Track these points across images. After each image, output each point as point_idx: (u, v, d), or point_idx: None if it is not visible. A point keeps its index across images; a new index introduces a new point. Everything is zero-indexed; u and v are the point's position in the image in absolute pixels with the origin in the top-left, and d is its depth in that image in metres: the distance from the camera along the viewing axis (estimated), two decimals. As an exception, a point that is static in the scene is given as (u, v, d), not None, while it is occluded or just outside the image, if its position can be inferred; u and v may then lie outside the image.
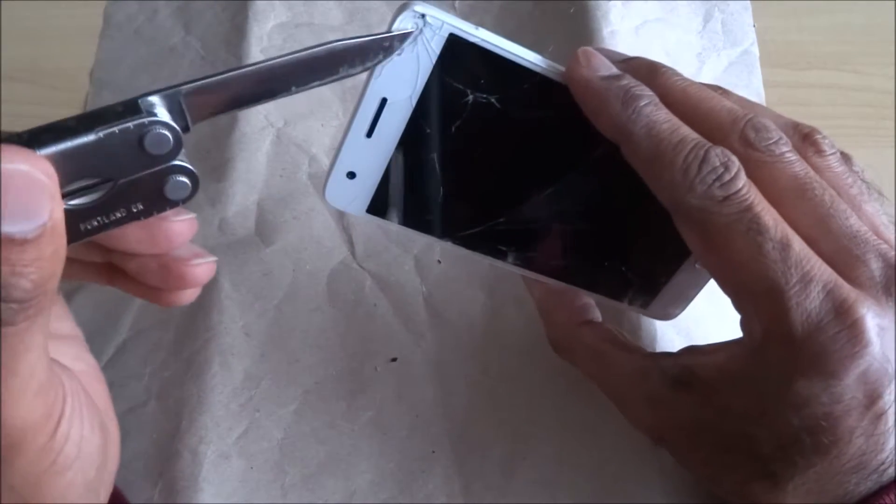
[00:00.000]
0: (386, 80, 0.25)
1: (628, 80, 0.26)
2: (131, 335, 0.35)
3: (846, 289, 0.23)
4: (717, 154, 0.24)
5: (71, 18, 0.45)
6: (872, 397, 0.23)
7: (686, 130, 0.25)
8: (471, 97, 0.26)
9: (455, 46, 0.25)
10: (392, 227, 0.28)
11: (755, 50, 0.43)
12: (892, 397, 0.23)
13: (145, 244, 0.22)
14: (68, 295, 0.36)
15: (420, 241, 0.37)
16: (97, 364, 0.27)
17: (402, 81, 0.25)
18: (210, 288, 0.36)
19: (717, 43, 0.43)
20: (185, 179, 0.21)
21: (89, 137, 0.19)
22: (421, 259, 0.37)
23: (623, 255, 0.30)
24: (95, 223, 0.20)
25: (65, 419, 0.21)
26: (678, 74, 0.27)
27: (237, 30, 0.42)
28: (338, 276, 0.37)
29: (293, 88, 0.22)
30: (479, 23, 0.26)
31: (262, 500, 0.32)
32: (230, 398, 0.34)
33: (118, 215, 0.21)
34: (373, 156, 0.26)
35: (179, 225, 0.22)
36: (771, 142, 0.25)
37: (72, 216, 0.20)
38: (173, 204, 0.21)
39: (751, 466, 0.25)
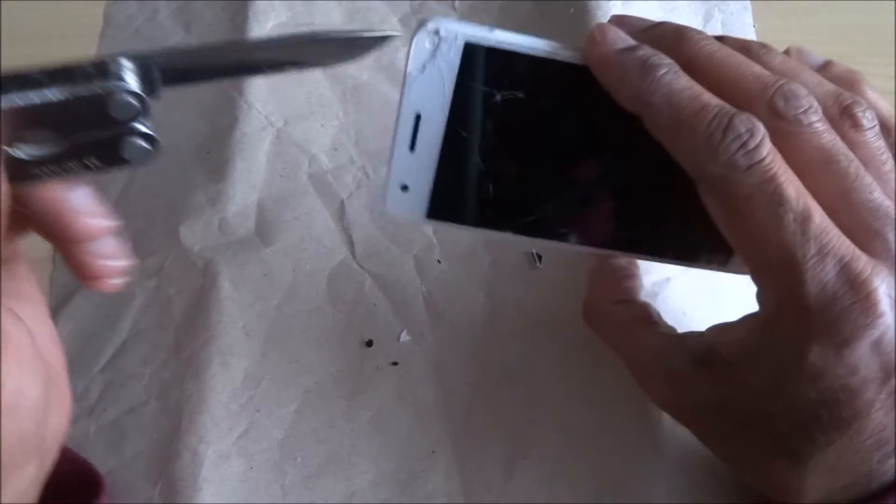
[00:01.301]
0: (416, 97, 0.26)
1: (645, 51, 0.25)
2: (131, 335, 0.35)
3: (863, 261, 0.23)
4: (742, 120, 0.24)
5: (71, 18, 0.45)
6: (889, 370, 0.23)
7: (708, 97, 0.24)
8: (499, 96, 0.26)
9: (473, 53, 0.26)
10: (453, 228, 0.29)
11: (755, 50, 0.43)
12: None
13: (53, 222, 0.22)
14: (69, 294, 0.36)
15: (421, 241, 0.37)
16: (55, 330, 0.27)
17: (430, 95, 0.26)
18: (210, 288, 0.36)
19: (717, 43, 0.43)
20: (142, 143, 0.22)
21: (55, 95, 0.20)
22: (421, 259, 0.37)
23: (690, 219, 0.29)
24: (46, 169, 0.21)
25: (1, 364, 0.21)
26: (706, 38, 0.26)
27: (237, 30, 0.42)
28: (338, 276, 0.37)
29: (265, 69, 0.23)
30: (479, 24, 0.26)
31: (262, 500, 0.32)
32: (230, 398, 0.34)
33: (71, 165, 0.21)
34: (420, 167, 0.27)
35: (89, 222, 0.22)
36: (800, 111, 0.24)
37: (23, 161, 0.20)
38: (129, 164, 0.22)
39: (770, 444, 0.25)
